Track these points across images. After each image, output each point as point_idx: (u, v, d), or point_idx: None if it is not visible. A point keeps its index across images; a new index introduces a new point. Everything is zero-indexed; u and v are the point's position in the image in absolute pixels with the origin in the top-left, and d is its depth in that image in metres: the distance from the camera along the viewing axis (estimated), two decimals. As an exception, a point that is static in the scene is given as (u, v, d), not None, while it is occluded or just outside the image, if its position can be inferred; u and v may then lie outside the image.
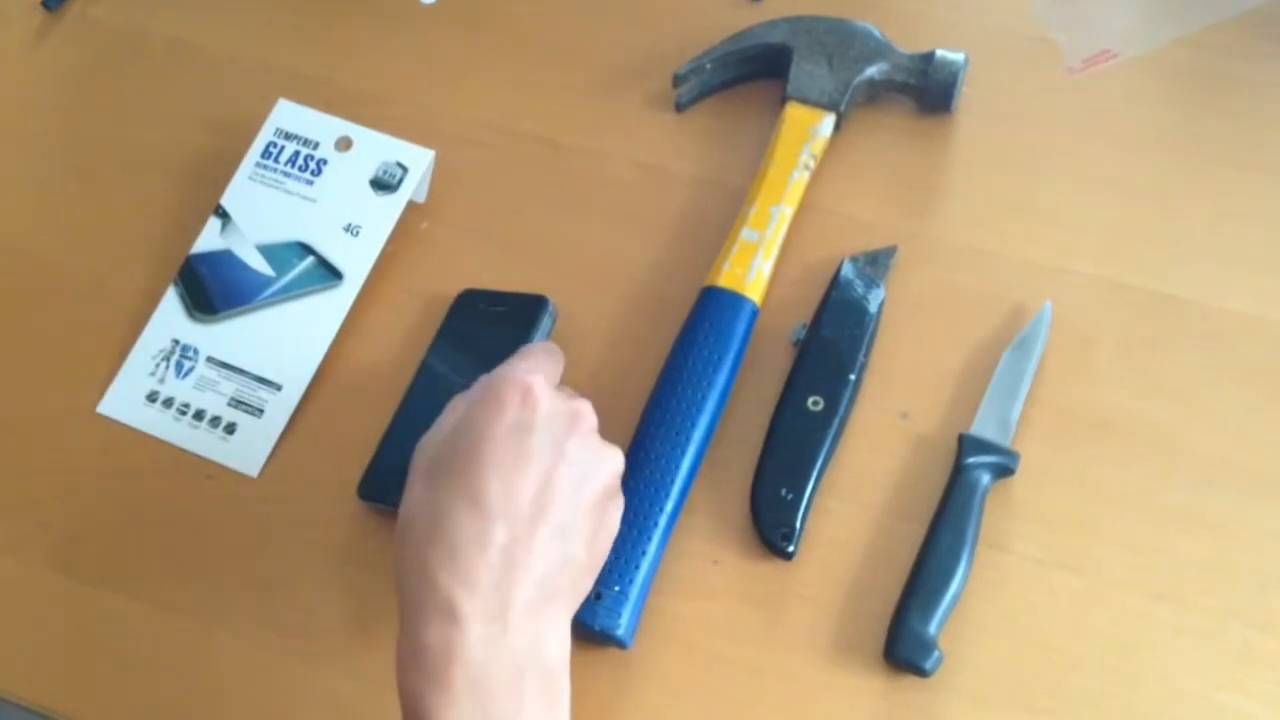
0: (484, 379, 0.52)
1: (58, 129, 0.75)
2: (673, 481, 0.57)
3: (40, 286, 0.69)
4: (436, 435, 0.52)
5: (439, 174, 0.69)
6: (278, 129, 0.69)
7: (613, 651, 0.56)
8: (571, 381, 0.62)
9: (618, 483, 0.53)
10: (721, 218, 0.66)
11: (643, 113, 0.71)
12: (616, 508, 0.52)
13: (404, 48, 0.75)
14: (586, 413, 0.52)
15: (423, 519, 0.48)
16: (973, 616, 0.55)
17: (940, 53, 0.66)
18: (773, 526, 0.57)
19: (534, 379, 0.50)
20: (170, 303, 0.66)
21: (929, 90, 0.67)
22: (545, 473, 0.48)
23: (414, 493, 0.50)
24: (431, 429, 0.52)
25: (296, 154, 0.68)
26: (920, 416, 0.60)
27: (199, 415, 0.64)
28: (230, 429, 0.63)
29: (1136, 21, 0.70)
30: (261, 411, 0.63)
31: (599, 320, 0.65)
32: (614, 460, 0.52)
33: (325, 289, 0.65)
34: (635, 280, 0.66)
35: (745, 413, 0.61)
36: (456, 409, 0.52)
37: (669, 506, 0.57)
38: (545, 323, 0.63)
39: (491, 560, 0.46)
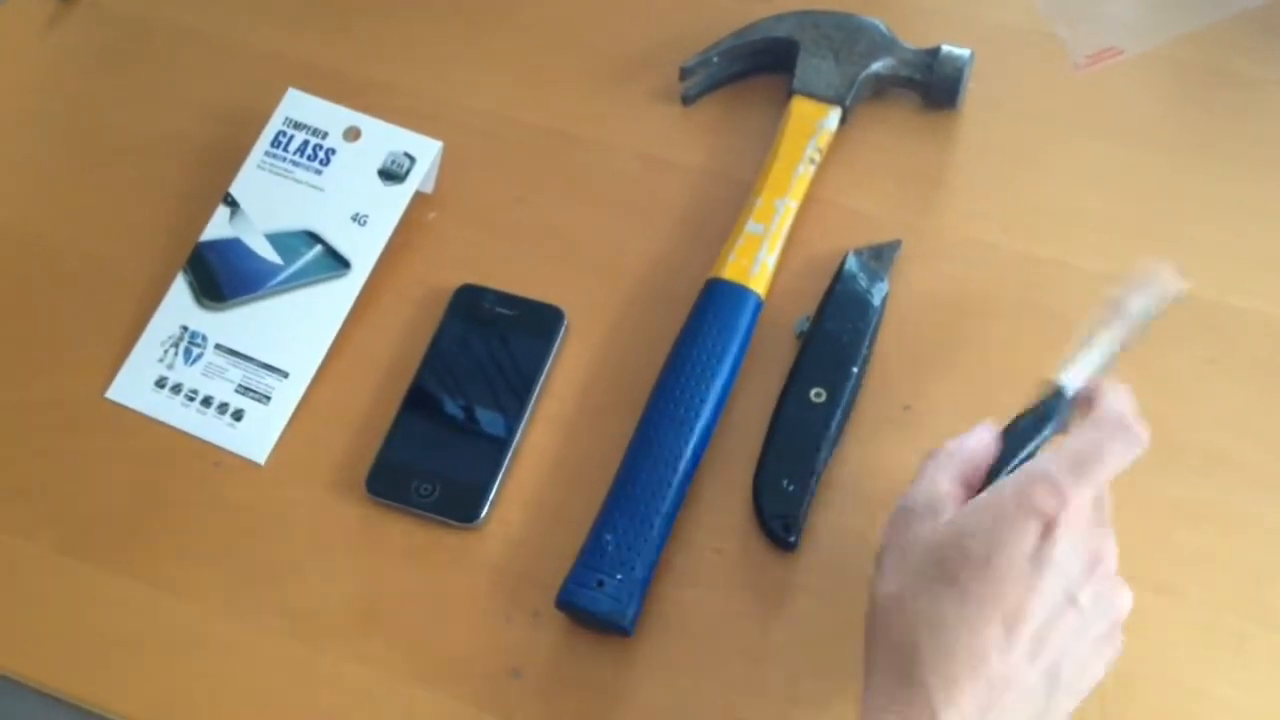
0: (1023, 478, 0.46)
1: (69, 116, 0.76)
2: (676, 471, 0.57)
3: (50, 272, 0.70)
4: (938, 516, 0.47)
5: (446, 164, 0.69)
6: (287, 118, 0.70)
7: (615, 638, 0.56)
8: (577, 374, 0.63)
9: (1119, 626, 0.48)
10: (727, 210, 0.66)
11: (649, 105, 0.71)
12: (1112, 650, 0.48)
13: (412, 38, 0.75)
14: (1108, 555, 0.47)
15: (917, 617, 0.45)
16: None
17: (946, 48, 0.67)
18: (775, 517, 0.57)
19: (1066, 506, 0.45)
20: (179, 290, 0.67)
21: (934, 86, 0.67)
22: (1049, 619, 0.45)
23: (904, 576, 0.47)
24: (926, 485, 0.49)
25: (305, 143, 0.69)
26: (922, 409, 0.60)
27: (207, 401, 0.64)
28: (238, 415, 0.64)
29: (1141, 18, 0.70)
30: (269, 399, 0.64)
31: (604, 311, 0.65)
32: (1123, 604, 0.48)
33: (332, 278, 0.66)
34: (640, 272, 0.66)
35: (749, 404, 0.61)
36: (976, 505, 0.47)
37: (672, 496, 0.57)
38: (559, 336, 0.63)
39: (979, 688, 0.44)
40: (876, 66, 0.67)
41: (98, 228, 0.71)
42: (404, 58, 0.75)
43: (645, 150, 0.70)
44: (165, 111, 0.75)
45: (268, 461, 0.63)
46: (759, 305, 0.62)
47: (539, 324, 0.64)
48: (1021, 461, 0.50)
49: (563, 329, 0.64)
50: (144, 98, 0.75)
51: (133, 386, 0.65)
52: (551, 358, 0.63)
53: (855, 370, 0.60)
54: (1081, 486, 0.46)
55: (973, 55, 0.67)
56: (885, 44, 0.68)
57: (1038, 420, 0.51)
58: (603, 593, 0.55)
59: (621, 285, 0.66)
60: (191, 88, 0.75)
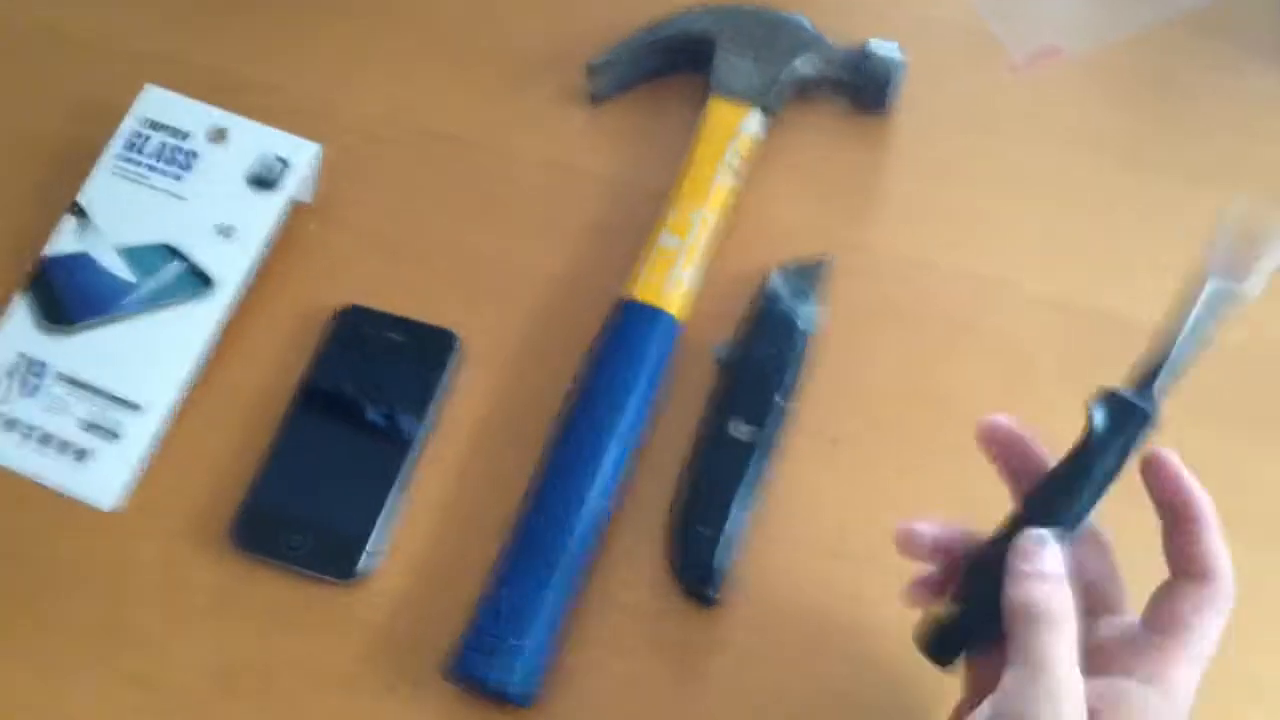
0: None
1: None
2: (582, 517, 0.51)
3: None
4: None
5: (331, 173, 0.62)
6: (143, 118, 0.62)
7: (513, 711, 0.50)
8: (472, 407, 0.57)
9: None
10: (639, 223, 0.60)
11: (554, 107, 0.65)
12: None
13: (297, 35, 0.68)
14: None
15: None
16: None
17: (875, 46, 0.61)
18: (691, 568, 0.51)
19: None
20: (17, 313, 0.59)
21: (864, 87, 0.62)
22: None
23: None
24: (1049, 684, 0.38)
25: (164, 145, 0.61)
26: (852, 442, 0.55)
27: (46, 440, 0.56)
28: (81, 455, 0.56)
29: (1082, 17, 0.66)
30: (117, 436, 0.56)
31: (503, 335, 0.58)
32: None
33: (194, 298, 0.58)
34: (544, 291, 0.60)
35: (664, 440, 0.55)
36: None
37: (577, 547, 0.51)
38: (451, 362, 0.57)
39: None
40: (800, 65, 0.62)
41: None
42: (286, 56, 0.67)
43: (549, 156, 0.63)
44: (8, 110, 0.66)
45: (116, 508, 0.55)
46: (675, 328, 0.56)
47: (430, 350, 0.57)
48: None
49: (456, 355, 0.57)
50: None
51: (-39, 422, 0.57)
52: (443, 388, 0.56)
53: (780, 401, 0.54)
54: None
55: (904, 54, 0.61)
56: (809, 41, 0.62)
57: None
58: (497, 659, 0.48)
59: (523, 306, 0.59)
60: (42, 85, 0.67)
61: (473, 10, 0.68)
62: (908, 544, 0.45)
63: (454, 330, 0.58)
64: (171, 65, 0.66)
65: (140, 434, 0.56)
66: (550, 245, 0.61)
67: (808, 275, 0.57)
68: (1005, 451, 0.45)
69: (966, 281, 0.59)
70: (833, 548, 0.53)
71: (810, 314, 0.56)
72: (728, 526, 0.51)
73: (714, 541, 0.51)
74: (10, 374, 0.57)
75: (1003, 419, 0.45)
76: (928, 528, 0.45)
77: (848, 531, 0.53)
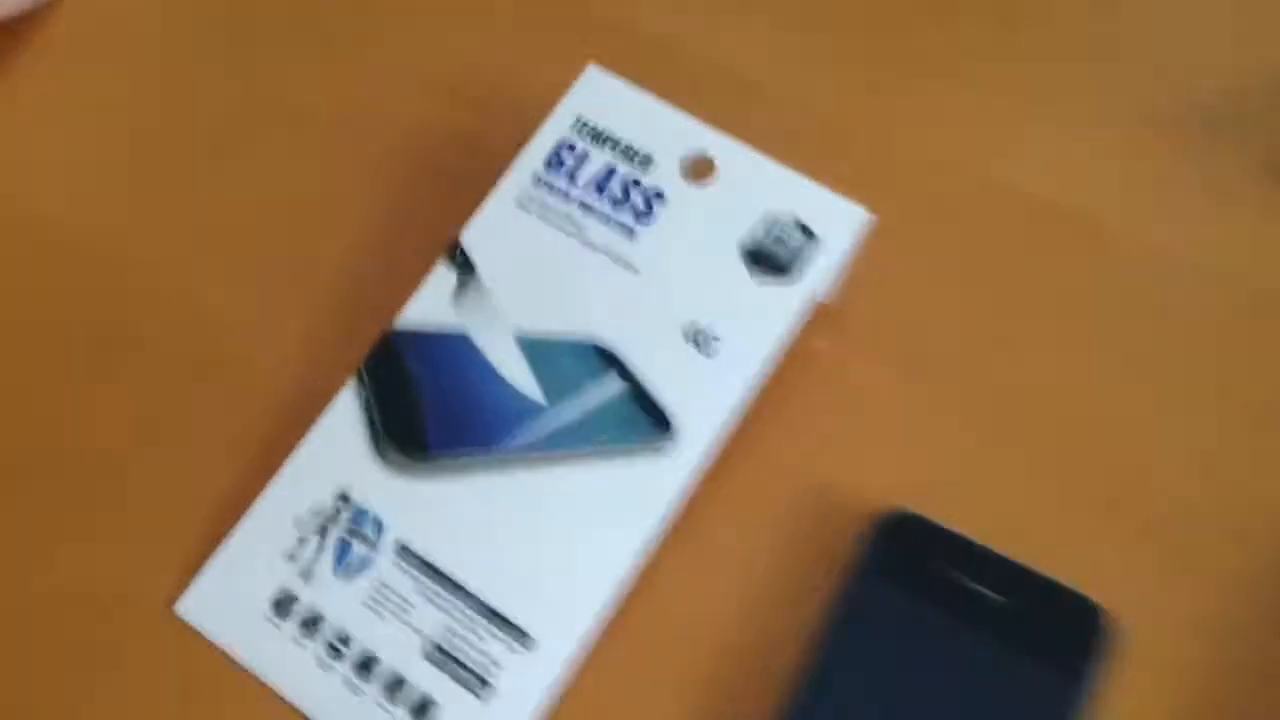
0: None
1: (206, 77, 0.44)
2: None
3: (132, 321, 0.39)
4: None
5: (863, 255, 0.37)
6: (580, 120, 0.37)
7: None
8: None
9: None
10: None
11: (1237, 187, 0.38)
12: None
13: (809, 17, 0.43)
14: None
15: None
16: None
17: None
18: None
19: None
20: (344, 414, 0.35)
21: None
22: None
23: None
24: None
25: (610, 172, 0.36)
26: None
27: (364, 668, 0.32)
28: (422, 712, 0.32)
29: None
30: (489, 685, 0.32)
31: (1184, 619, 0.32)
32: None
33: (639, 449, 0.33)
34: (1249, 545, 0.32)
35: None
36: None
37: None
38: (1093, 652, 0.30)
39: None
40: None
41: (224, 264, 0.39)
42: (786, 44, 0.42)
43: (1258, 282, 0.36)
44: (364, 81, 0.43)
45: (470, 826, 0.31)
46: None
47: (1055, 627, 0.31)
48: None
49: (1102, 642, 0.31)
50: (334, 57, 0.44)
51: (224, 600, 0.34)
52: (1077, 697, 0.30)
53: None
54: None
55: None
56: None
57: None
58: None
59: (1223, 575, 0.32)
60: (414, 45, 0.44)
61: (1142, 29, 0.41)
62: None
63: (1097, 600, 0.31)
64: (603, 30, 0.42)
65: (525, 692, 0.31)
66: (1247, 451, 0.34)
67: None
68: None
69: None
70: None
71: None
72: None
73: None
74: (319, 525, 0.34)
75: None
76: None
77: None
